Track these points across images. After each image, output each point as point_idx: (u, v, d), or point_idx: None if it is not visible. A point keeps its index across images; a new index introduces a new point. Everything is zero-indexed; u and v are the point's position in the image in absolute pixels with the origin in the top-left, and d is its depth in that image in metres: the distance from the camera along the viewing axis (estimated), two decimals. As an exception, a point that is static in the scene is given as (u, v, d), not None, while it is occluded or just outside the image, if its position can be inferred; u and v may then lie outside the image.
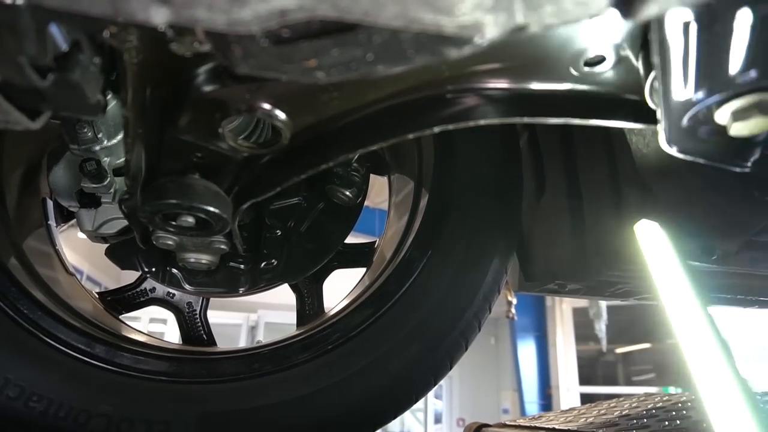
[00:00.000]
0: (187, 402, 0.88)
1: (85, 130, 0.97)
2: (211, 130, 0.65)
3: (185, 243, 0.99)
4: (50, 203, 1.18)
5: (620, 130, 0.89)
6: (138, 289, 1.27)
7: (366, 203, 1.23)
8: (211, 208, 0.76)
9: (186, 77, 0.61)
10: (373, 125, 0.63)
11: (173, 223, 0.79)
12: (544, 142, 1.33)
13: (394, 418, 1.00)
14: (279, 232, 1.15)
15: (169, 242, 0.96)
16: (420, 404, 8.99)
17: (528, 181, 1.41)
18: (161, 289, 1.28)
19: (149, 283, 1.27)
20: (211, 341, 1.27)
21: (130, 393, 0.87)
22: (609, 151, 1.01)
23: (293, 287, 1.34)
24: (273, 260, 1.14)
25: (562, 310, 8.53)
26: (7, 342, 0.85)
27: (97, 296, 1.22)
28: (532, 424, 1.21)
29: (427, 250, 1.05)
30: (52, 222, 1.18)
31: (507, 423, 1.34)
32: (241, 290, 1.13)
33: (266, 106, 0.62)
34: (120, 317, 1.22)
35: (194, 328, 1.27)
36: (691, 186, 0.75)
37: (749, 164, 0.61)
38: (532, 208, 1.37)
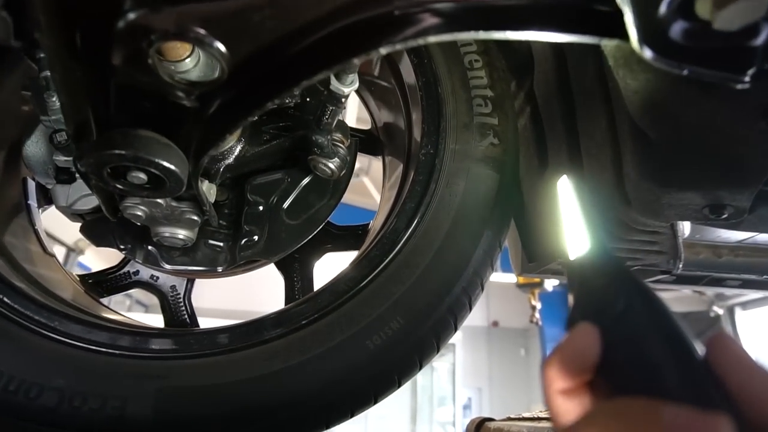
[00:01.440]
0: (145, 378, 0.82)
1: (54, 98, 0.94)
2: (144, 63, 0.59)
3: (155, 214, 0.94)
4: (32, 184, 1.16)
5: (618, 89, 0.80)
6: (121, 272, 1.23)
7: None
8: (161, 161, 0.71)
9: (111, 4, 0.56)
10: (317, 50, 0.57)
11: (124, 180, 0.74)
12: (546, 113, 1.25)
13: (375, 401, 0.92)
14: (261, 208, 1.10)
15: (138, 213, 0.92)
16: (449, 417, 8.79)
17: (531, 157, 1.34)
18: (145, 272, 1.24)
19: (132, 266, 1.23)
20: (194, 324, 1.22)
21: (86, 367, 0.82)
22: (609, 113, 0.92)
23: (281, 269, 1.28)
24: (254, 237, 1.08)
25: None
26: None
27: (77, 278, 1.19)
28: (535, 415, 1.11)
29: (412, 221, 0.98)
30: (32, 202, 1.15)
31: (511, 417, 1.24)
32: (220, 269, 1.08)
33: (200, 30, 0.56)
34: (100, 300, 1.18)
35: (178, 312, 1.22)
36: (688, 124, 0.65)
37: (747, 78, 0.52)
38: (535, 184, 1.29)
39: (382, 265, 0.95)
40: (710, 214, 0.78)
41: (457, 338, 8.55)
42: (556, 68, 1.05)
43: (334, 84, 0.89)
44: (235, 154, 1.11)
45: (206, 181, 1.02)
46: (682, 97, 0.64)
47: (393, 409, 9.21)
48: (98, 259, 6.74)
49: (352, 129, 1.38)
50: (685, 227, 1.00)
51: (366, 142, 1.41)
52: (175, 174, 0.73)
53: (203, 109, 0.70)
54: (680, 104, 0.65)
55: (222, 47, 0.58)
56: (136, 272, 1.23)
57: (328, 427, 0.91)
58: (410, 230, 0.97)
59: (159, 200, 0.90)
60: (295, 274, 1.29)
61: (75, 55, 0.61)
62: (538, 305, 3.86)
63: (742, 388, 0.35)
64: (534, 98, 1.30)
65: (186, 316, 1.22)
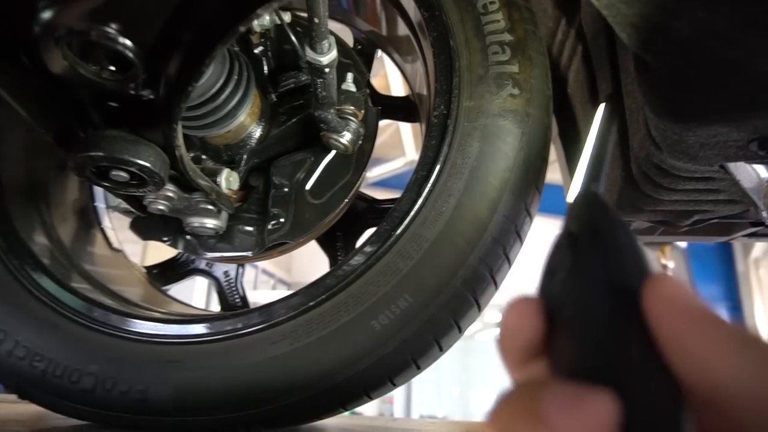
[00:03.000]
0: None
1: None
2: (64, 64, 0.60)
3: (176, 206, 0.98)
4: (98, 186, 1.28)
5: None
6: (180, 261, 1.32)
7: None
8: (131, 158, 0.73)
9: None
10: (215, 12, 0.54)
11: (109, 179, 0.77)
12: (595, 52, 1.08)
13: (393, 384, 0.88)
14: (286, 190, 1.10)
15: (160, 206, 0.97)
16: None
17: (585, 103, 1.18)
18: (201, 261, 1.31)
19: (190, 256, 1.31)
20: (246, 307, 1.27)
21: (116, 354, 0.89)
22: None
23: (323, 247, 1.28)
24: (281, 219, 1.08)
25: (760, 277, 7.21)
26: (11, 303, 0.92)
27: (144, 270, 1.30)
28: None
29: (422, 191, 0.91)
30: (99, 203, 1.27)
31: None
32: (251, 253, 1.10)
33: (100, 27, 0.56)
34: (163, 288, 1.27)
35: (231, 296, 1.28)
36: (680, 39, 0.50)
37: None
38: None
39: (390, 240, 0.89)
40: (759, 150, 0.61)
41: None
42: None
43: (310, 54, 0.84)
44: (256, 138, 1.12)
45: (226, 170, 1.04)
46: (666, 6, 0.50)
47: (532, 375, 9.00)
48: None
49: (387, 97, 1.32)
50: (759, 169, 0.80)
51: (403, 108, 1.34)
52: (148, 168, 0.74)
53: (152, 96, 0.70)
54: (666, 15, 0.50)
55: (128, 42, 0.57)
56: (193, 261, 1.31)
57: (345, 409, 0.90)
58: (420, 201, 0.90)
59: (169, 193, 0.93)
60: (339, 252, 1.28)
61: (19, 66, 0.64)
62: (670, 263, 3.45)
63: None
64: (584, 36, 1.14)
65: (238, 300, 1.27)
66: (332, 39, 0.84)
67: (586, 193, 0.45)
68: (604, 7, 0.53)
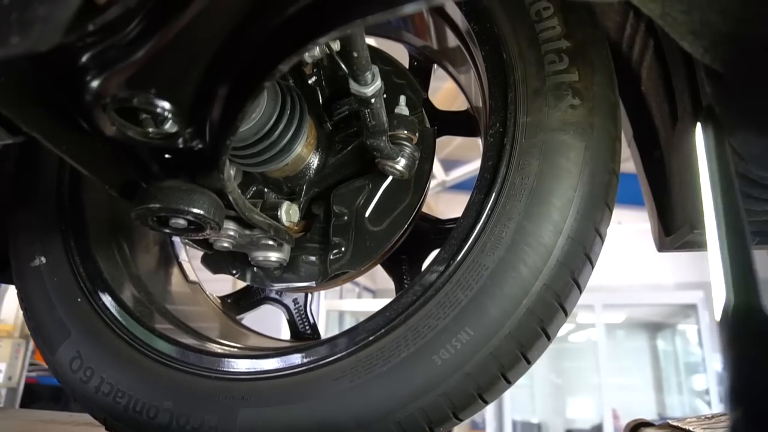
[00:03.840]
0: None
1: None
2: (112, 127, 0.63)
3: (240, 242, 1.01)
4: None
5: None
6: (252, 290, 1.36)
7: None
8: (186, 207, 0.75)
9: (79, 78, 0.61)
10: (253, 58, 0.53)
11: (169, 226, 0.80)
12: (668, 48, 0.98)
13: (458, 420, 0.84)
14: (346, 218, 1.09)
15: (225, 244, 1.00)
16: (703, 385, 7.73)
17: (661, 103, 1.08)
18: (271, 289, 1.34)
19: (260, 284, 1.35)
20: (316, 336, 1.28)
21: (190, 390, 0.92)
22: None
23: (389, 270, 1.27)
24: (342, 248, 1.08)
25: None
26: (98, 341, 0.99)
27: (218, 300, 1.35)
28: (687, 427, 0.89)
29: (480, 215, 0.87)
30: (176, 237, 1.34)
31: (671, 423, 1.02)
32: (315, 283, 1.11)
33: (140, 93, 0.57)
34: (237, 317, 1.31)
35: (301, 324, 1.30)
36: (749, 42, 0.43)
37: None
38: (667, 138, 1.03)
39: (448, 269, 0.86)
40: None
41: (697, 297, 7.44)
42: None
43: (354, 87, 0.83)
44: (314, 168, 1.12)
45: (286, 203, 1.06)
46: (735, 15, 0.43)
47: (633, 378, 8.49)
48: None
49: (445, 112, 1.29)
50: None
51: (464, 123, 1.30)
52: (202, 216, 0.76)
53: (201, 145, 0.71)
54: (734, 22, 0.44)
55: (167, 104, 0.58)
56: (264, 290, 1.34)
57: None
58: (478, 226, 0.86)
59: (231, 232, 0.96)
60: (405, 276, 1.26)
61: (79, 131, 0.68)
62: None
63: None
64: (655, 29, 1.05)
65: (308, 328, 1.29)
66: (375, 69, 0.83)
67: (745, 323, 0.37)
68: (658, 17, 0.48)
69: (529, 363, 0.84)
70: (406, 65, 1.33)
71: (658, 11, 0.46)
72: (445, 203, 8.87)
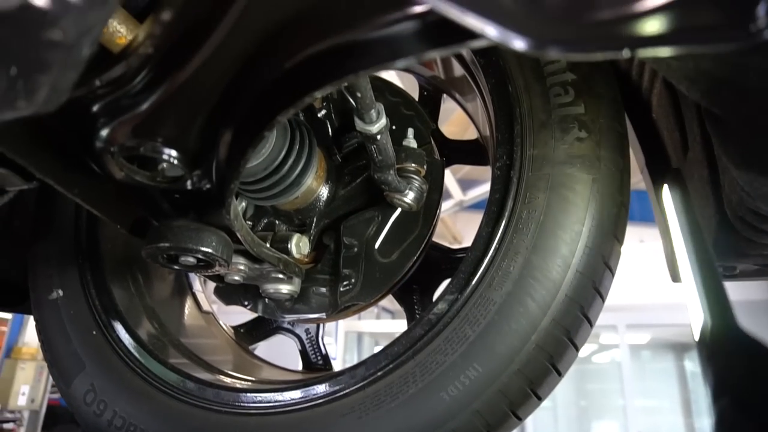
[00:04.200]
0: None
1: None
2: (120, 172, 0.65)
3: (250, 275, 1.02)
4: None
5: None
6: (265, 320, 1.36)
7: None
8: (195, 246, 0.77)
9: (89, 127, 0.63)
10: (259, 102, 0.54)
11: (179, 263, 0.82)
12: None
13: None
14: (355, 250, 1.10)
15: (236, 278, 1.01)
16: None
17: (672, 131, 1.07)
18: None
19: (273, 314, 1.35)
20: (328, 366, 1.28)
21: (201, 423, 0.93)
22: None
23: (401, 301, 1.26)
24: (352, 280, 1.08)
25: None
26: (111, 374, 1.00)
27: (231, 330, 1.36)
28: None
29: (487, 250, 0.86)
30: (190, 269, 1.35)
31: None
32: (325, 315, 1.11)
33: (147, 142, 0.59)
34: (249, 347, 1.32)
35: (313, 355, 1.30)
36: (753, 90, 0.43)
37: (755, 30, 0.32)
38: (680, 166, 1.02)
39: (455, 304, 0.85)
40: None
41: (726, 317, 7.22)
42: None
43: (359, 125, 0.84)
44: (324, 200, 1.13)
45: (296, 236, 1.07)
46: (730, 62, 0.43)
47: (660, 400, 8.24)
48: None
49: (456, 141, 1.30)
50: None
51: (473, 152, 1.31)
52: (210, 254, 0.78)
53: (208, 185, 0.73)
54: (728, 68, 0.44)
55: (173, 152, 0.60)
56: (278, 320, 1.34)
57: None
58: (485, 261, 0.86)
59: (241, 266, 0.97)
60: (416, 306, 1.25)
61: (91, 174, 0.70)
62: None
63: None
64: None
65: (320, 358, 1.29)
66: (380, 107, 0.84)
67: (721, 341, 0.41)
68: (652, 62, 0.48)
69: (540, 399, 0.83)
70: (417, 95, 1.35)
71: (651, 58, 0.46)
72: (462, 223, 8.84)
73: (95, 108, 0.60)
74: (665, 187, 0.47)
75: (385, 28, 0.41)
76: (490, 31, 0.29)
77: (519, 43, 0.30)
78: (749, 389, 0.38)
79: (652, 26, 0.31)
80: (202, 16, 0.44)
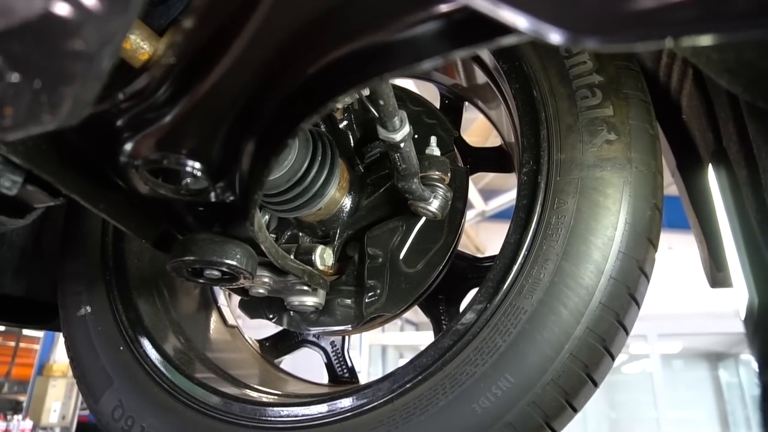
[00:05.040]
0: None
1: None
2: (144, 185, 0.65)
3: (275, 288, 1.01)
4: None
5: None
6: (291, 334, 1.35)
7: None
8: (219, 259, 0.76)
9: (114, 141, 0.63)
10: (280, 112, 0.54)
11: (204, 276, 0.81)
12: (710, 84, 0.95)
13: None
14: (380, 260, 1.08)
15: (261, 290, 1.00)
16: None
17: (705, 131, 1.04)
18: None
19: (298, 327, 1.34)
20: (354, 379, 1.26)
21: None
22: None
23: (427, 312, 1.24)
24: (377, 291, 1.07)
25: None
26: (138, 389, 1.00)
27: (257, 343, 1.35)
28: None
29: (516, 257, 0.84)
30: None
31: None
32: (350, 327, 1.09)
33: (175, 155, 0.59)
34: (275, 361, 1.31)
35: (339, 368, 1.28)
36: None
37: None
38: (716, 168, 0.99)
39: (485, 313, 0.83)
40: None
41: (761, 325, 6.99)
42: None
43: (382, 133, 0.83)
44: (347, 211, 1.12)
45: (320, 247, 1.06)
46: (764, 50, 0.41)
47: (694, 412, 7.99)
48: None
49: (479, 149, 1.28)
50: None
51: (497, 159, 1.29)
52: (235, 267, 0.77)
53: (232, 197, 0.72)
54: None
55: (196, 164, 0.59)
56: (301, 333, 1.33)
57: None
58: (514, 268, 0.84)
59: (265, 279, 0.96)
60: (443, 316, 1.23)
61: (116, 189, 0.70)
62: None
63: None
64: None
65: (346, 371, 1.27)
66: (403, 114, 0.83)
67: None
68: (690, 55, 0.46)
69: (575, 411, 0.80)
70: (438, 104, 1.34)
71: (689, 50, 0.44)
72: (485, 233, 8.77)
73: (119, 122, 0.60)
74: (709, 167, 0.46)
75: (409, 28, 0.40)
76: (523, 23, 0.27)
77: (555, 36, 0.28)
78: None
79: (694, 13, 0.29)
80: (224, 23, 0.43)
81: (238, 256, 0.77)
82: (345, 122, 1.15)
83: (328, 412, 0.87)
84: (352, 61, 0.43)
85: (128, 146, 0.61)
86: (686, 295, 7.69)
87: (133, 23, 0.37)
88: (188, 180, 0.63)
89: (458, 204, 1.08)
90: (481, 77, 1.14)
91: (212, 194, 0.68)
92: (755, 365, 0.52)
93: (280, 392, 1.08)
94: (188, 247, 0.77)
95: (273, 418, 0.91)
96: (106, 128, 0.60)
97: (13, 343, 9.45)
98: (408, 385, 0.84)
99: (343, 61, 0.44)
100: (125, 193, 0.71)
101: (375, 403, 0.85)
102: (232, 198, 0.71)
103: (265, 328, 1.27)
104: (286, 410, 0.91)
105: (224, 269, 0.78)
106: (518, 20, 0.28)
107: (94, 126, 0.59)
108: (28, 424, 5.17)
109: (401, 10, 0.40)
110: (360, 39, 0.41)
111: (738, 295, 0.63)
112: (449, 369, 0.83)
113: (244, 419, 0.93)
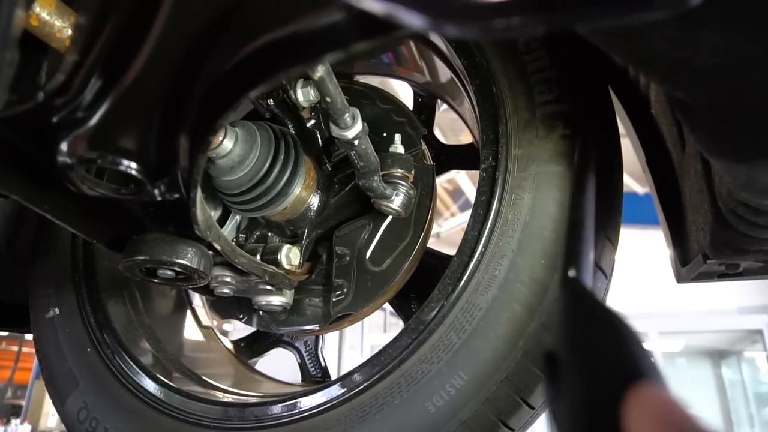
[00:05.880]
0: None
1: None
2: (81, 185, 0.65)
3: (239, 288, 1.01)
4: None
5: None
6: (265, 333, 1.35)
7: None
8: (171, 258, 0.76)
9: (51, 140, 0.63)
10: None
11: (158, 276, 0.81)
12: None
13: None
14: (347, 259, 1.08)
15: (225, 290, 1.00)
16: (773, 422, 7.18)
17: (670, 124, 1.04)
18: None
19: (271, 328, 1.34)
20: (326, 379, 1.25)
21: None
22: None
23: (399, 310, 1.24)
24: (344, 290, 1.06)
25: None
26: (102, 390, 0.99)
27: (231, 344, 1.35)
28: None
29: (473, 254, 0.84)
30: (189, 284, 1.36)
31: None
32: (318, 326, 1.09)
33: (108, 154, 0.59)
34: (249, 361, 1.31)
35: (313, 367, 1.28)
36: (705, 67, 0.40)
37: None
38: (679, 162, 0.98)
39: (441, 311, 0.83)
40: None
41: (763, 321, 6.96)
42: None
43: (335, 131, 0.83)
44: (315, 210, 1.12)
45: (285, 247, 1.05)
46: (681, 39, 0.40)
47: (698, 409, 7.94)
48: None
49: (449, 146, 1.27)
50: None
51: (467, 156, 1.28)
52: (186, 266, 0.77)
53: (177, 195, 0.72)
54: (679, 47, 0.41)
55: (132, 163, 0.59)
56: (275, 333, 1.33)
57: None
58: (471, 265, 0.83)
59: (227, 278, 0.96)
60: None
61: (61, 190, 0.70)
62: None
63: None
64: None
65: (318, 371, 1.27)
66: (355, 111, 0.82)
67: (564, 284, 0.46)
68: (602, 45, 0.45)
69: (533, 408, 0.79)
70: (411, 102, 1.33)
71: (601, 41, 0.44)
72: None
73: (54, 120, 0.59)
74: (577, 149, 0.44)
75: (311, 21, 0.40)
76: (377, 7, 0.27)
77: (415, 20, 0.28)
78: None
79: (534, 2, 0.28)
80: (130, 18, 0.43)
81: (189, 255, 0.77)
82: (312, 121, 1.15)
83: (287, 412, 0.87)
84: (259, 56, 0.43)
85: (64, 145, 0.61)
86: (687, 293, 7.65)
87: None
88: (127, 178, 0.63)
89: (425, 201, 1.07)
90: (443, 71, 1.14)
91: (156, 192, 0.68)
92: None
93: (247, 392, 1.07)
94: (138, 247, 0.77)
95: (232, 418, 0.91)
96: (43, 126, 0.60)
97: (15, 348, 9.48)
98: (366, 384, 0.84)
99: (252, 56, 0.43)
100: (71, 193, 0.70)
101: (332, 403, 0.85)
102: (177, 196, 0.71)
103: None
104: (247, 410, 0.91)
105: (176, 269, 0.77)
106: (374, 5, 0.27)
107: (27, 123, 0.58)
108: (27, 428, 5.17)
109: (302, 3, 0.40)
110: (263, 34, 0.41)
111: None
112: (406, 367, 0.82)
113: (204, 419, 0.92)
